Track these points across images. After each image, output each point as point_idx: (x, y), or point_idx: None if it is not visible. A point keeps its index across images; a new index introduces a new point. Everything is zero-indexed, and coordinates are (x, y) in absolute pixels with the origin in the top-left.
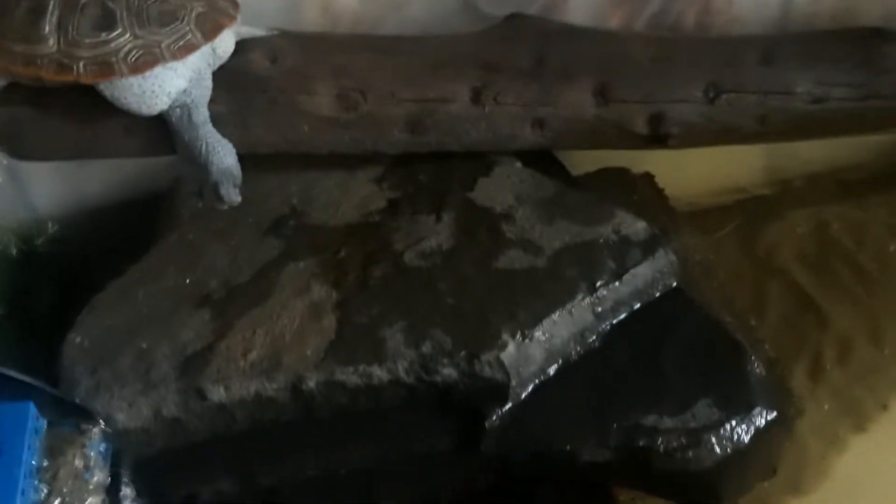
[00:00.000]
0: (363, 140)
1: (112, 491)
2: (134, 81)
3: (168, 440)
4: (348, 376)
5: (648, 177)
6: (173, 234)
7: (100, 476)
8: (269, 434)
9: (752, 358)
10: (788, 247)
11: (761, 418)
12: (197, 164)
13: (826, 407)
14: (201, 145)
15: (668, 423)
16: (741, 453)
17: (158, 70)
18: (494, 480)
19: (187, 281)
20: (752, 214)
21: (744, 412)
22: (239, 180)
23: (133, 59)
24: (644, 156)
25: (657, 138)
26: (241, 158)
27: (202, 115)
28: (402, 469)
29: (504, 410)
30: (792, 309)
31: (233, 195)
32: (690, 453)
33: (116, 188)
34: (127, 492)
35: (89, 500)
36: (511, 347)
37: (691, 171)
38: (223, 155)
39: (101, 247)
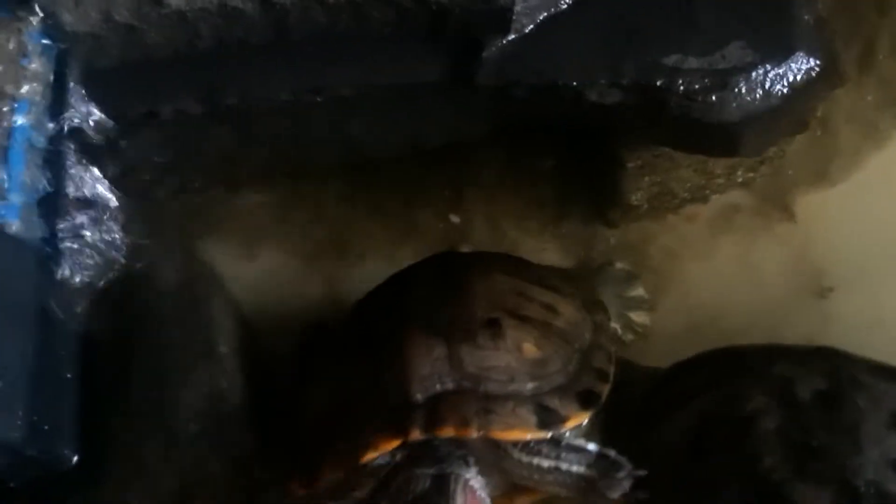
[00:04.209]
0: None
1: (56, 89)
2: None
3: (124, 51)
4: None
5: None
6: None
7: (38, 66)
8: (239, 55)
9: (802, 1)
10: None
11: (801, 66)
12: None
13: (869, 98)
14: None
15: (692, 62)
16: (772, 102)
17: None
18: (487, 125)
19: None
20: None
21: (782, 56)
22: None
23: None
24: None
25: None
26: None
27: None
28: (386, 100)
29: (506, 41)
30: None
31: None
32: (714, 97)
33: None
34: (79, 97)
35: (25, 86)
36: None
37: None
38: None
39: None
